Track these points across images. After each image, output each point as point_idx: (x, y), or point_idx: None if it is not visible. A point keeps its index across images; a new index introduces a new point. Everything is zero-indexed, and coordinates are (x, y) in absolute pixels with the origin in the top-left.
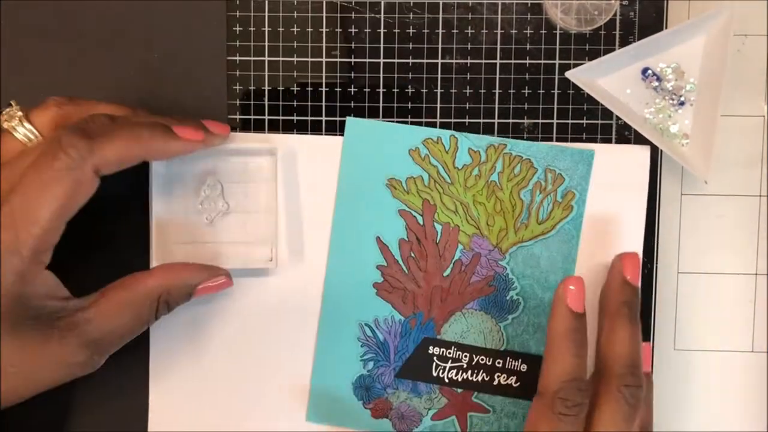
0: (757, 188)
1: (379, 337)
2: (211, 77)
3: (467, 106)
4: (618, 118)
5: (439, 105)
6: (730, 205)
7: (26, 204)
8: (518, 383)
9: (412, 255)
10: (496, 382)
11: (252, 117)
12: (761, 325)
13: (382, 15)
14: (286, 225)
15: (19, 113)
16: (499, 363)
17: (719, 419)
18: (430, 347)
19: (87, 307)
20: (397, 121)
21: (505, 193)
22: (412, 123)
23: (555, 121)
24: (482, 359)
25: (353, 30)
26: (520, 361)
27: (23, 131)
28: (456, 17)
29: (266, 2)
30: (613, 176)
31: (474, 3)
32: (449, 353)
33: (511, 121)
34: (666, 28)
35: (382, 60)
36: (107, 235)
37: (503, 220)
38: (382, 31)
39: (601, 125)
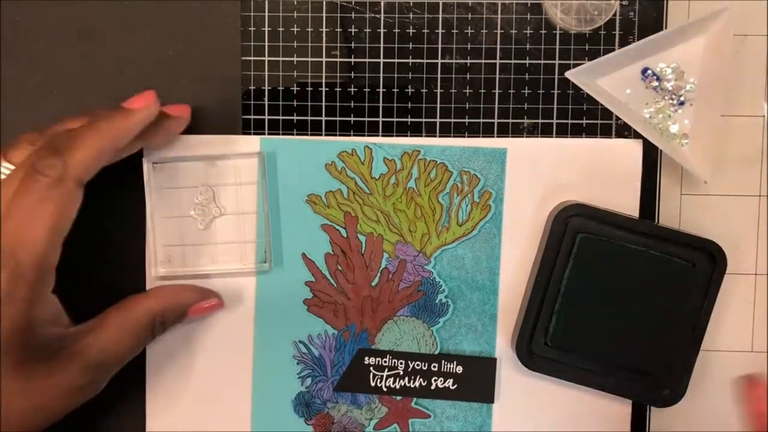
0: (757, 188)
1: (314, 353)
2: (225, 75)
3: (467, 106)
4: (618, 118)
5: (439, 105)
6: (730, 205)
7: (20, 230)
8: (455, 385)
9: (339, 268)
10: (433, 387)
11: (252, 117)
12: (761, 325)
13: (382, 15)
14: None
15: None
16: (434, 367)
17: (719, 419)
18: (366, 358)
19: (87, 332)
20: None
21: (423, 198)
22: (411, 123)
23: (555, 121)
24: (418, 365)
25: (353, 30)
26: (455, 363)
27: (3, 170)
28: (456, 17)
29: (266, 2)
30: (607, 171)
31: (474, 3)
32: (385, 362)
33: (511, 121)
34: (666, 28)
35: (382, 60)
36: (104, 240)
37: (425, 225)
38: (382, 30)
39: (601, 125)
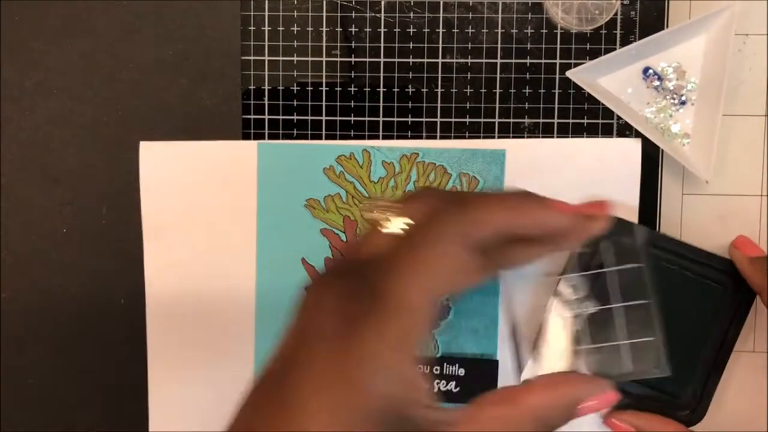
0: (757, 188)
1: None
2: (225, 75)
3: (467, 105)
4: (619, 118)
5: (439, 105)
6: (730, 204)
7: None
8: (458, 388)
9: None
10: (436, 390)
11: (252, 117)
12: (761, 325)
13: (383, 14)
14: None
15: (396, 207)
16: (436, 370)
17: (719, 419)
18: None
19: (456, 423)
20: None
21: None
22: (412, 122)
23: (556, 120)
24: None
25: (353, 29)
26: (457, 365)
27: (399, 225)
28: (456, 16)
29: (266, 2)
30: (604, 170)
31: (474, 2)
32: None
33: (511, 120)
34: (667, 27)
35: (382, 59)
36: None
37: None
38: (382, 30)
39: (602, 125)
